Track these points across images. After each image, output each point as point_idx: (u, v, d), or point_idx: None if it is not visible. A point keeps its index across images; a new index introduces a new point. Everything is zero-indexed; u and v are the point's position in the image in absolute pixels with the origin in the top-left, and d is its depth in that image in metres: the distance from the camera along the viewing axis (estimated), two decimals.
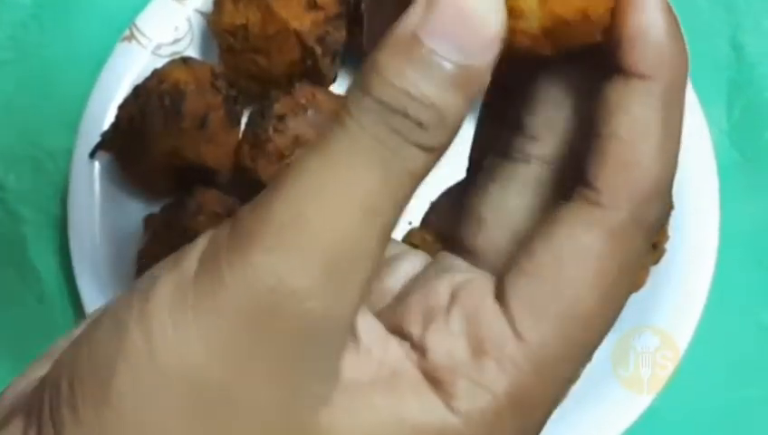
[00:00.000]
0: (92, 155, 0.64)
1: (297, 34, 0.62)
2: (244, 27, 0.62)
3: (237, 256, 0.23)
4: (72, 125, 0.65)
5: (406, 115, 0.23)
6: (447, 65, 0.23)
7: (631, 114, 0.25)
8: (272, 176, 0.61)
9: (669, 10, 0.25)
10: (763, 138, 0.70)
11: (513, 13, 0.24)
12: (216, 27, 0.64)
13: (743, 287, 0.66)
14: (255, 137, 0.62)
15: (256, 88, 0.65)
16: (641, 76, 0.25)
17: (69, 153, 0.65)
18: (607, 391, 0.59)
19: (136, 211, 0.65)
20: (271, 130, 0.61)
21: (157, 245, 0.62)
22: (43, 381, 0.25)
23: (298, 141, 0.61)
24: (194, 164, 0.62)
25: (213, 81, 0.63)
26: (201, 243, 0.24)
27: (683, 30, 0.26)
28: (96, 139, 0.64)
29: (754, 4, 0.72)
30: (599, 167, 0.25)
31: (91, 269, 0.63)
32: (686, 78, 0.26)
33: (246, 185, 0.63)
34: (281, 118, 0.62)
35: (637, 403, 0.59)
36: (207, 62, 0.65)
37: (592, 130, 0.26)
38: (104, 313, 0.25)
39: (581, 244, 0.25)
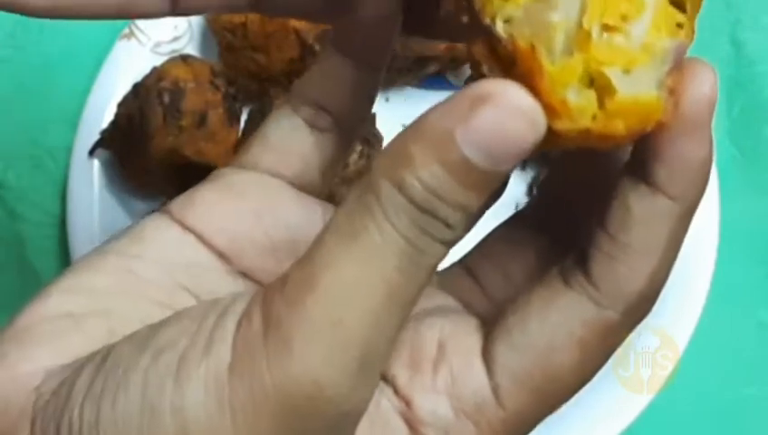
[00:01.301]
0: (92, 153, 0.64)
1: (296, 32, 0.62)
2: (244, 25, 0.62)
3: (277, 362, 0.24)
4: (72, 123, 0.65)
5: (435, 216, 0.24)
6: (478, 172, 0.23)
7: (651, 231, 0.26)
8: None
9: (711, 140, 0.26)
10: (762, 135, 0.70)
11: (558, 111, 0.24)
12: (215, 25, 0.64)
13: (742, 285, 0.66)
14: None
15: (256, 86, 0.65)
16: (670, 196, 0.26)
17: (68, 151, 0.65)
18: (607, 390, 0.59)
19: (135, 209, 0.65)
20: None
21: None
22: None
23: None
24: (193, 162, 0.62)
25: (212, 78, 0.63)
26: (230, 327, 0.25)
27: None
28: (95, 136, 0.64)
29: (754, 1, 0.72)
30: (606, 269, 0.27)
31: None
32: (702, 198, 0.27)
33: None
34: None
35: (636, 403, 0.59)
36: (207, 59, 0.65)
37: (602, 222, 0.27)
38: (127, 383, 0.25)
39: (575, 336, 0.27)
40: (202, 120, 0.62)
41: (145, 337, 0.26)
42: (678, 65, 0.26)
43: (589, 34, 0.25)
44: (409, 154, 0.24)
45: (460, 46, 0.28)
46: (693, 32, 0.26)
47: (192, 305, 0.28)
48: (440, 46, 0.64)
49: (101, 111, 0.65)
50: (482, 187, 0.24)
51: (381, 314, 0.24)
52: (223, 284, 0.31)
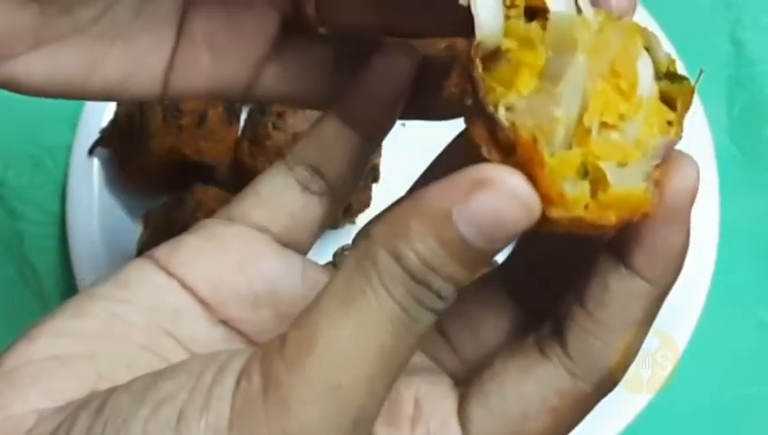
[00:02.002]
0: (91, 152, 0.64)
1: None
2: None
3: (276, 421, 0.25)
4: (71, 122, 0.65)
5: (429, 288, 0.25)
6: (472, 249, 0.25)
7: (628, 310, 0.28)
8: None
9: (690, 229, 0.28)
10: (762, 134, 0.70)
11: (555, 201, 0.25)
12: None
13: (742, 285, 0.66)
14: (254, 134, 0.62)
15: None
16: (648, 279, 0.28)
17: (68, 150, 0.65)
18: None
19: (135, 208, 0.65)
20: (270, 127, 0.61)
21: (156, 241, 0.62)
22: None
23: (297, 138, 0.61)
24: (193, 161, 0.62)
25: None
26: (229, 385, 0.25)
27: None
28: (95, 135, 0.64)
29: (754, 0, 0.72)
30: (582, 343, 0.28)
31: (90, 267, 0.63)
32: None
33: (245, 182, 0.62)
34: (280, 115, 0.62)
35: (636, 403, 0.59)
36: None
37: (580, 298, 0.29)
38: (127, 432, 0.25)
39: (548, 404, 0.29)
40: (202, 119, 0.62)
41: (143, 388, 0.26)
42: (665, 159, 0.27)
43: (589, 131, 0.26)
44: (408, 226, 0.25)
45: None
46: (681, 129, 0.28)
47: (188, 358, 0.28)
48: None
49: (101, 110, 0.65)
50: (474, 263, 0.25)
51: (376, 378, 0.25)
52: (204, 330, 0.32)
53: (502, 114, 0.26)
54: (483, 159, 0.26)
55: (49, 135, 0.67)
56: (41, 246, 0.67)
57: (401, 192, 0.33)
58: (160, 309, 0.32)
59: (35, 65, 0.31)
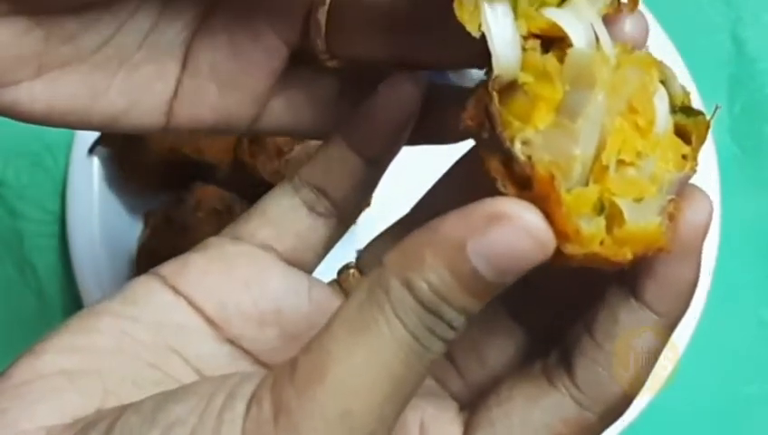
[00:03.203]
0: (91, 151, 0.64)
1: None
2: None
3: None
4: None
5: (441, 318, 0.25)
6: (484, 282, 0.25)
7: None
8: (271, 173, 0.61)
9: (701, 263, 0.29)
10: (763, 133, 0.69)
11: (570, 237, 0.25)
12: None
13: (743, 283, 0.66)
14: None
15: None
16: (657, 313, 0.28)
17: (68, 148, 0.65)
18: None
19: (135, 207, 0.65)
20: None
21: (156, 240, 0.62)
22: None
23: (296, 138, 0.61)
24: (193, 160, 0.62)
25: None
26: (239, 410, 0.25)
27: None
28: (95, 134, 0.64)
29: None
30: (590, 374, 0.29)
31: (90, 265, 0.63)
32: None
33: (245, 181, 0.63)
34: None
35: (636, 403, 0.59)
36: None
37: (588, 329, 0.29)
38: None
39: (554, 431, 0.29)
40: None
41: (153, 409, 0.26)
42: (679, 193, 0.27)
43: (606, 168, 0.26)
44: (421, 257, 0.25)
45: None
46: (696, 163, 0.28)
47: (198, 380, 0.29)
48: None
49: None
50: (485, 294, 0.25)
51: (385, 405, 0.25)
52: (210, 349, 0.33)
53: (518, 149, 0.26)
54: (498, 192, 0.26)
55: (49, 134, 0.67)
56: (41, 244, 0.67)
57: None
58: (167, 327, 0.32)
59: (38, 92, 0.31)
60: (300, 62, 0.35)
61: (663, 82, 0.28)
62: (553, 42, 0.28)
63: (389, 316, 0.25)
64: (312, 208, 0.35)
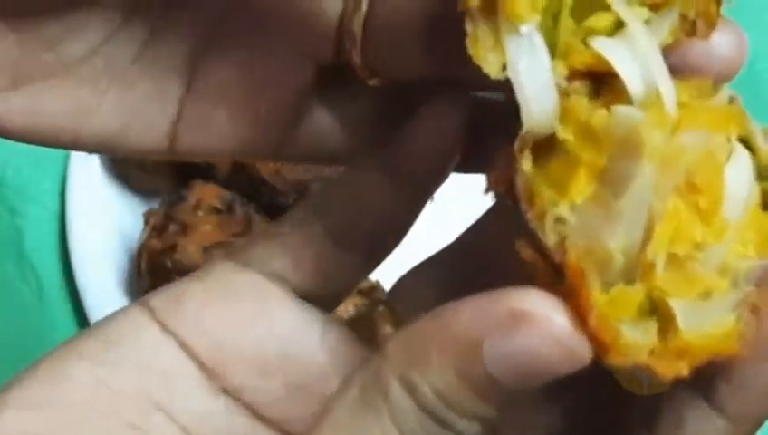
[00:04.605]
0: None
1: None
2: None
3: None
4: None
5: (452, 429, 0.21)
6: (502, 389, 0.21)
7: None
8: (270, 172, 0.61)
9: None
10: None
11: (608, 346, 0.20)
12: None
13: None
14: None
15: None
16: (731, 418, 0.24)
17: None
18: None
19: (135, 206, 0.65)
20: None
21: (156, 239, 0.62)
22: None
23: None
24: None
25: None
26: None
27: None
28: None
29: None
30: None
31: (90, 265, 0.63)
32: None
33: (245, 180, 0.63)
34: None
35: None
36: None
37: (649, 428, 0.25)
38: None
39: None
40: None
41: None
42: (764, 281, 0.21)
43: (653, 265, 0.20)
44: (427, 355, 0.21)
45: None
46: None
47: None
48: None
49: None
50: (504, 401, 0.21)
51: None
52: (201, 402, 0.28)
53: (549, 227, 0.21)
54: (528, 274, 0.21)
55: None
56: (40, 244, 0.66)
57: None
58: (153, 374, 0.28)
59: (15, 106, 0.28)
60: (332, 81, 0.29)
61: (745, 140, 0.22)
62: (603, 79, 0.22)
63: (386, 425, 0.21)
64: (336, 239, 0.29)
